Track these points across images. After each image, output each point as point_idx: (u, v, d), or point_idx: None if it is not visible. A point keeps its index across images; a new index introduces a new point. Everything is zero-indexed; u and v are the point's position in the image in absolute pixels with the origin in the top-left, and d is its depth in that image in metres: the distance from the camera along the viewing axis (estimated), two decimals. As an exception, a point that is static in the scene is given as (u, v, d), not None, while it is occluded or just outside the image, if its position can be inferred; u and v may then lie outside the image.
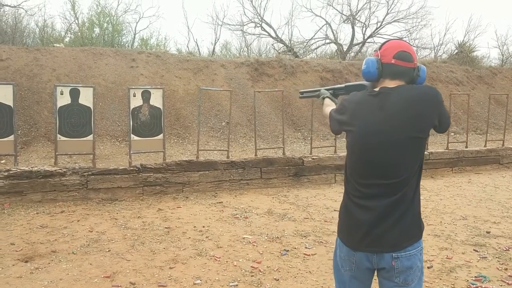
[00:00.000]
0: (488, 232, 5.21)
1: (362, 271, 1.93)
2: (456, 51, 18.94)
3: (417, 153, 1.86)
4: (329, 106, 2.29)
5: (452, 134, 12.15)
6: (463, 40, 19.89)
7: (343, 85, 2.41)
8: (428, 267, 4.03)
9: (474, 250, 4.59)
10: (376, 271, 1.95)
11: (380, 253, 1.86)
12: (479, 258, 4.34)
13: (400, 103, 1.83)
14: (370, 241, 1.86)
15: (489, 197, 7.14)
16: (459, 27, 48.64)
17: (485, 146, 10.57)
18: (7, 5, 14.78)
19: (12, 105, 6.71)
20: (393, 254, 1.83)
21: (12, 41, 13.91)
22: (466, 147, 10.28)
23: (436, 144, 11.10)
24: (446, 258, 4.33)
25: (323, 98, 2.42)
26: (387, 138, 1.84)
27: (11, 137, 6.72)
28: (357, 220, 1.91)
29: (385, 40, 2.06)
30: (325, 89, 2.47)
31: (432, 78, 15.00)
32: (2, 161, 7.89)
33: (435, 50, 20.93)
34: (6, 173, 6.12)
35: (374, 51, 2.05)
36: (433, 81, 14.88)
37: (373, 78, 1.98)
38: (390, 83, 1.92)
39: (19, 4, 15.07)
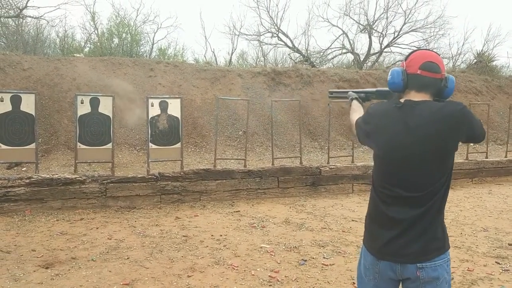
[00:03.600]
0: (510, 244, 5.11)
1: (385, 281, 1.91)
2: (475, 60, 18.70)
3: (443, 166, 1.84)
4: (356, 112, 2.28)
5: (472, 144, 11.96)
6: (482, 49, 19.65)
7: (374, 90, 2.42)
8: (449, 279, 3.97)
9: (496, 262, 4.50)
10: (401, 283, 1.93)
11: (404, 263, 1.83)
12: (501, 271, 4.26)
13: (424, 119, 1.80)
14: (394, 251, 1.85)
15: (510, 209, 7.01)
16: (477, 36, 48.15)
17: (505, 156, 10.40)
18: (30, 16, 15.14)
19: (34, 114, 6.84)
20: (418, 264, 1.81)
21: (34, 51, 14.20)
22: (486, 157, 10.13)
23: (455, 155, 10.93)
24: (467, 270, 4.26)
25: (351, 100, 2.41)
26: (411, 152, 1.82)
27: (33, 145, 6.84)
28: (382, 229, 1.90)
29: (412, 50, 2.02)
30: (354, 91, 2.47)
31: (451, 88, 14.81)
32: (23, 169, 8.04)
33: (454, 60, 20.69)
34: (27, 180, 6.23)
35: (401, 61, 2.02)
36: (451, 91, 14.69)
37: (398, 89, 1.95)
38: (416, 96, 1.88)
39: (42, 16, 15.44)
